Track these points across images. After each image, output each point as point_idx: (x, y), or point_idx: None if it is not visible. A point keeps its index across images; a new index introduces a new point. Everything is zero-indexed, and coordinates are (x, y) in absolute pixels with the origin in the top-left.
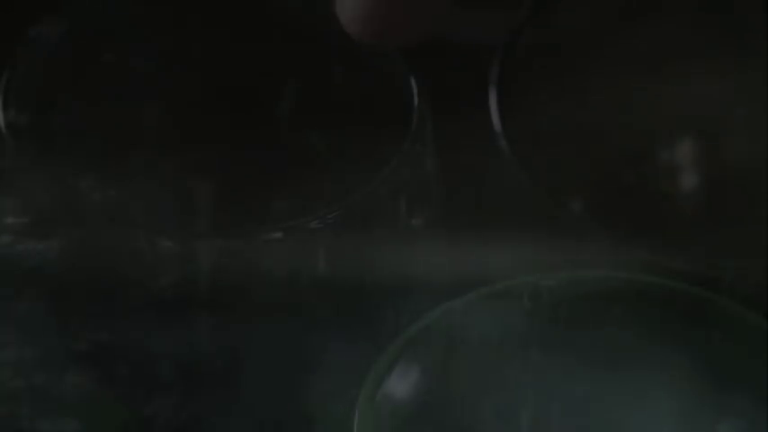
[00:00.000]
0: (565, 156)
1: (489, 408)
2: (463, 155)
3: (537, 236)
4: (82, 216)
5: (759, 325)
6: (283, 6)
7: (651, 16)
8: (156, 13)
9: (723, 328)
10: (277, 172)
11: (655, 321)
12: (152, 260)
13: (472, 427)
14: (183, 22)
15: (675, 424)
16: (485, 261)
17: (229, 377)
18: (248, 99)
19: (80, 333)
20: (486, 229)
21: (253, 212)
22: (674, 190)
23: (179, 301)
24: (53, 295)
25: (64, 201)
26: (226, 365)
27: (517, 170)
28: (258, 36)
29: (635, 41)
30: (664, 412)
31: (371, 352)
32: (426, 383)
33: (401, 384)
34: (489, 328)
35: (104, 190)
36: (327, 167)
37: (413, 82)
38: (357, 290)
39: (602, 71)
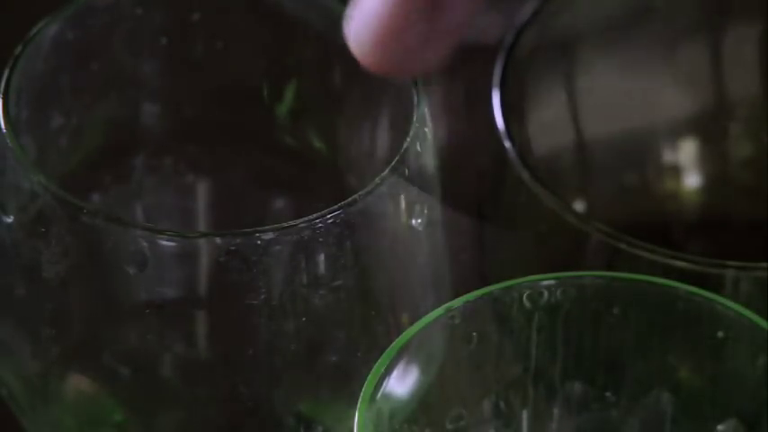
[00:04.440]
0: (566, 155)
1: (489, 408)
2: (463, 155)
3: (537, 236)
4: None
5: (759, 325)
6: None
7: (651, 17)
8: (156, 12)
9: (723, 328)
10: (277, 172)
11: (655, 321)
12: (152, 260)
13: (472, 427)
14: (183, 22)
15: (676, 424)
16: (485, 261)
17: (229, 377)
18: (248, 99)
19: (80, 333)
20: (487, 229)
21: (253, 212)
22: (674, 190)
23: (179, 301)
24: (53, 295)
25: (63, 201)
26: (225, 365)
27: (519, 170)
28: (258, 36)
29: (635, 41)
30: (663, 412)
31: (371, 352)
32: (426, 383)
33: (401, 384)
34: (489, 328)
35: (104, 190)
36: (327, 167)
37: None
38: (357, 289)
39: (603, 71)
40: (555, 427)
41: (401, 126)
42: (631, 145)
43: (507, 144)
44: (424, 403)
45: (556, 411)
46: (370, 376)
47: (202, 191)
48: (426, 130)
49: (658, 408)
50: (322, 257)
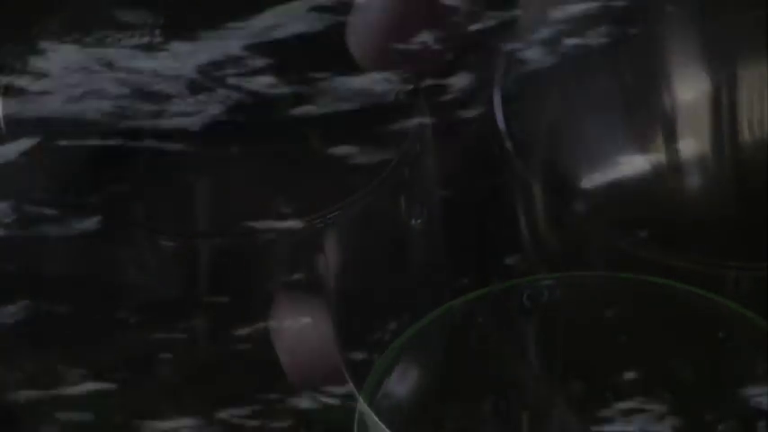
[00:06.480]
0: (567, 156)
1: (489, 408)
2: (464, 154)
3: (538, 236)
4: (83, 215)
5: (759, 325)
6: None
7: (652, 17)
8: (157, 14)
9: (723, 328)
10: (277, 172)
11: (655, 321)
12: (152, 260)
13: (472, 427)
14: (184, 22)
15: (676, 424)
16: (485, 261)
17: (230, 377)
18: (249, 99)
19: (80, 333)
20: (488, 229)
21: (253, 212)
22: (674, 190)
23: (179, 301)
24: (53, 295)
25: (63, 201)
26: (226, 365)
27: (520, 170)
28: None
29: (636, 42)
30: (664, 412)
31: (371, 353)
32: (426, 383)
33: (401, 384)
34: (489, 327)
35: (104, 190)
36: (327, 167)
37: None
38: (357, 289)
39: (603, 71)
40: (555, 427)
41: (401, 126)
42: (632, 144)
43: (508, 144)
44: (424, 403)
45: (556, 411)
46: (370, 376)
47: (202, 191)
48: (426, 130)
49: (658, 407)
50: (322, 257)
